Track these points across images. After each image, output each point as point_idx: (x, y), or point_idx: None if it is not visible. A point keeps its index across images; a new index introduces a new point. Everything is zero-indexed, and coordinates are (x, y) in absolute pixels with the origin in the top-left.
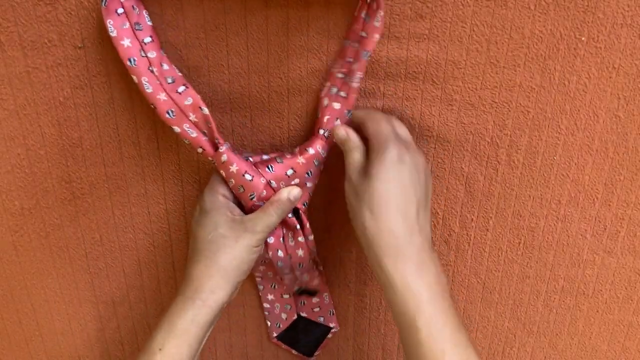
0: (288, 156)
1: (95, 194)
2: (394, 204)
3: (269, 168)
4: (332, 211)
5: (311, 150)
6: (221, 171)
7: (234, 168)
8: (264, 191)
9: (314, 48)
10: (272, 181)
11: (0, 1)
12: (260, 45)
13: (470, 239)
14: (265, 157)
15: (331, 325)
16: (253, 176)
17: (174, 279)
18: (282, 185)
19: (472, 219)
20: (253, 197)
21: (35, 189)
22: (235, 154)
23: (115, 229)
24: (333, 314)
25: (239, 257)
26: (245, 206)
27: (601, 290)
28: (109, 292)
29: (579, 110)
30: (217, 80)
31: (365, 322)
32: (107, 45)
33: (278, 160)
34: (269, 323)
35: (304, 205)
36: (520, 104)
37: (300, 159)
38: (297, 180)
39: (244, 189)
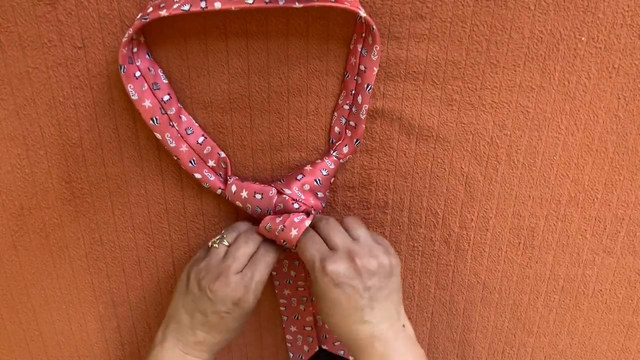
0: (298, 169)
1: (95, 194)
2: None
3: (280, 181)
4: None
5: (319, 161)
6: (237, 203)
7: (244, 194)
8: (275, 198)
9: (313, 48)
10: (284, 189)
11: (0, 1)
12: (260, 45)
13: (470, 239)
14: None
15: (351, 359)
16: (262, 194)
17: (174, 278)
18: (295, 190)
19: (472, 219)
20: (270, 212)
21: (35, 189)
22: (243, 182)
23: (115, 229)
24: None
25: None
26: None
27: (601, 290)
28: (109, 292)
29: (579, 110)
30: (217, 80)
31: None
32: (107, 45)
33: (288, 174)
34: (291, 354)
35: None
36: (520, 104)
37: (308, 167)
38: (307, 186)
39: (260, 209)
